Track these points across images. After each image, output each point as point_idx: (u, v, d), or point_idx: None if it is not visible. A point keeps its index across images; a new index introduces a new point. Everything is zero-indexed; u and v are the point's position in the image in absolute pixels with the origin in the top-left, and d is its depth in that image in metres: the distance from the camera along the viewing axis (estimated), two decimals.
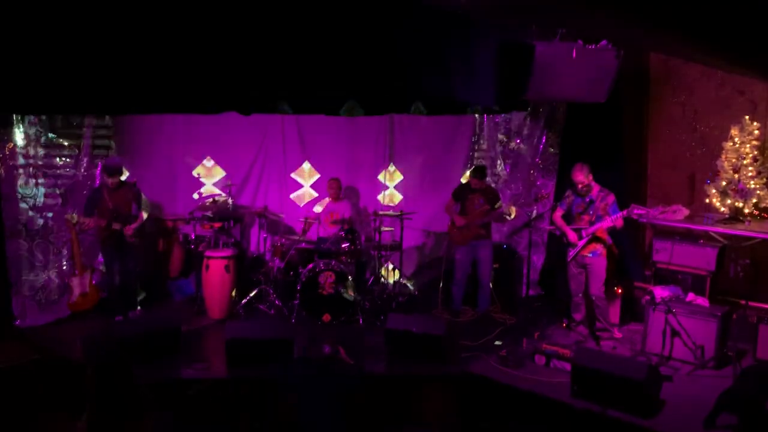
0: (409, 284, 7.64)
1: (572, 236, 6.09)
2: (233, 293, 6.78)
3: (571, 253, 6.13)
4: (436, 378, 5.41)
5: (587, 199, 6.05)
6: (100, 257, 6.86)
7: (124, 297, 6.47)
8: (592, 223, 6.00)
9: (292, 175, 8.01)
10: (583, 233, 6.02)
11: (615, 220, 5.84)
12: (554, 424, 4.87)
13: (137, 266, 6.64)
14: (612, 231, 6.06)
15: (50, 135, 6.42)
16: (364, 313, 6.70)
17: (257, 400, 5.11)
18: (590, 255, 6.08)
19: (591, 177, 6.02)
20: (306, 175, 8.05)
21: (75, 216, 6.22)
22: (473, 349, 5.86)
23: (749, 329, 5.75)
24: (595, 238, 6.03)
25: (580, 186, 6.02)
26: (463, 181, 7.69)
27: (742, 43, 4.88)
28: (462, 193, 6.89)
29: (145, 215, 6.51)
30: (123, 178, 6.52)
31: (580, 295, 6.25)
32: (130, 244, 6.39)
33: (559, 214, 6.27)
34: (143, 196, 6.53)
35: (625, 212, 5.80)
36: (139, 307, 6.59)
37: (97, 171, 6.76)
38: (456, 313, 6.88)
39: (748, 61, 5.82)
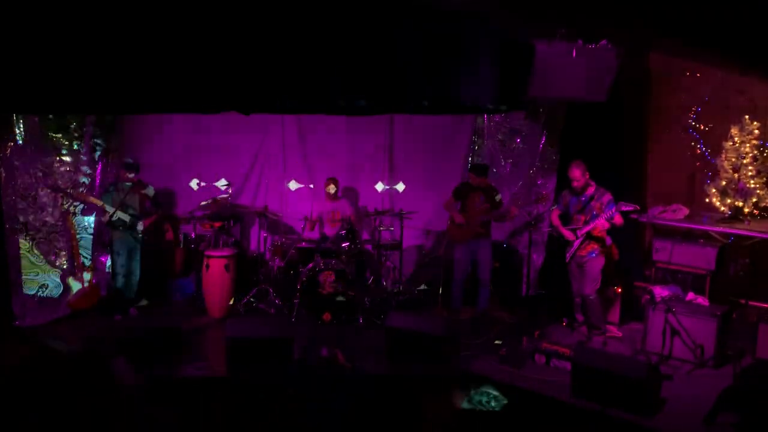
0: (408, 283, 7.64)
1: (568, 235, 6.10)
2: (233, 292, 6.78)
3: (569, 253, 6.14)
4: (436, 377, 5.40)
5: (583, 199, 6.06)
6: (101, 256, 6.87)
7: (127, 295, 6.48)
8: (587, 223, 6.00)
9: (292, 174, 8.00)
10: (578, 233, 6.03)
11: (609, 218, 5.84)
12: (554, 424, 4.87)
13: (141, 265, 6.69)
14: (613, 230, 6.05)
15: (50, 135, 6.42)
16: (364, 312, 6.70)
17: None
18: (587, 255, 6.09)
19: (588, 176, 6.03)
20: (306, 174, 8.04)
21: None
22: (473, 348, 5.87)
23: (749, 328, 5.76)
24: (593, 239, 6.02)
25: (574, 183, 6.03)
26: (464, 180, 7.70)
27: (742, 44, 4.89)
28: (462, 191, 6.89)
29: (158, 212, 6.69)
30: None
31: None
32: (138, 243, 6.46)
33: (556, 214, 6.30)
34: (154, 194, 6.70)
35: (613, 208, 5.81)
36: (132, 308, 6.59)
37: (98, 170, 6.79)
38: (456, 312, 6.87)
39: (748, 62, 5.83)
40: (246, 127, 7.62)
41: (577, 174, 6.00)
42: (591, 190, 6.06)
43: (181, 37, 4.40)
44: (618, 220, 5.88)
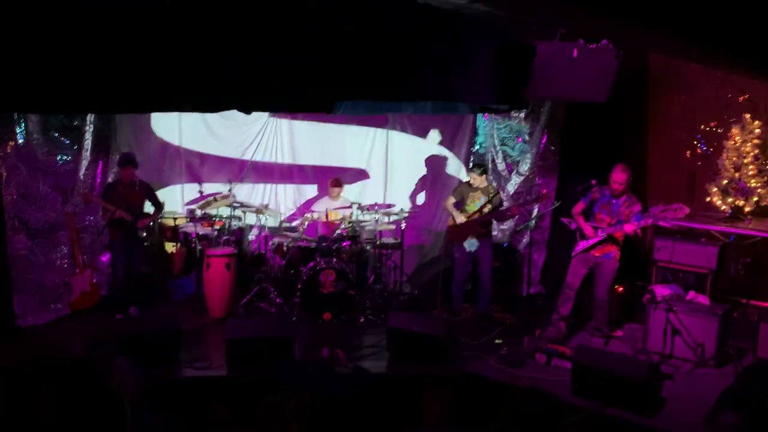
0: (409, 283, 7.64)
1: (588, 230, 6.02)
2: (233, 292, 6.79)
3: (580, 246, 6.06)
4: (436, 377, 5.40)
5: (614, 201, 5.97)
6: (101, 256, 6.87)
7: (127, 295, 6.49)
8: (611, 225, 5.92)
9: (292, 174, 8.00)
10: (599, 232, 5.95)
11: (639, 226, 5.79)
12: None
13: (141, 265, 6.73)
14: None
15: (52, 134, 6.42)
16: (364, 311, 6.70)
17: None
18: (603, 257, 6.03)
19: (630, 182, 5.93)
20: (306, 174, 8.04)
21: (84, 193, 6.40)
22: (473, 348, 5.86)
23: (750, 327, 5.76)
24: (612, 241, 5.96)
25: (615, 186, 5.89)
26: (464, 179, 7.70)
27: (742, 43, 4.88)
28: (462, 191, 6.89)
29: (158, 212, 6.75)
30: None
31: (573, 291, 6.19)
32: (138, 243, 6.50)
33: (579, 208, 6.14)
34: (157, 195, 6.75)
35: (650, 220, 5.77)
36: (132, 308, 6.59)
37: (98, 170, 6.80)
38: (456, 312, 6.88)
39: (749, 62, 5.82)
40: (246, 125, 7.65)
41: (622, 178, 5.87)
42: (624, 196, 5.98)
43: (180, 34, 4.40)
44: (639, 233, 5.85)
